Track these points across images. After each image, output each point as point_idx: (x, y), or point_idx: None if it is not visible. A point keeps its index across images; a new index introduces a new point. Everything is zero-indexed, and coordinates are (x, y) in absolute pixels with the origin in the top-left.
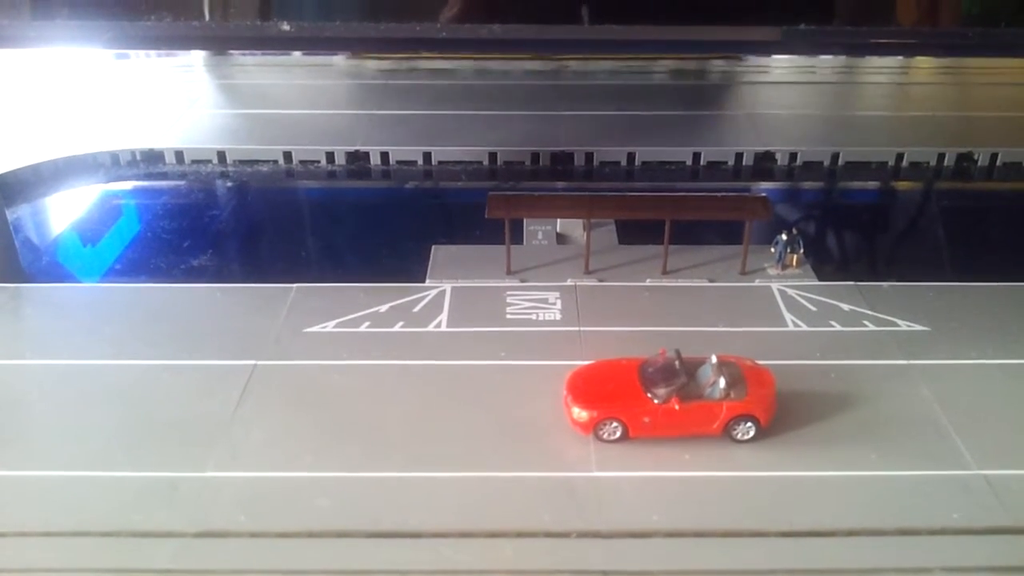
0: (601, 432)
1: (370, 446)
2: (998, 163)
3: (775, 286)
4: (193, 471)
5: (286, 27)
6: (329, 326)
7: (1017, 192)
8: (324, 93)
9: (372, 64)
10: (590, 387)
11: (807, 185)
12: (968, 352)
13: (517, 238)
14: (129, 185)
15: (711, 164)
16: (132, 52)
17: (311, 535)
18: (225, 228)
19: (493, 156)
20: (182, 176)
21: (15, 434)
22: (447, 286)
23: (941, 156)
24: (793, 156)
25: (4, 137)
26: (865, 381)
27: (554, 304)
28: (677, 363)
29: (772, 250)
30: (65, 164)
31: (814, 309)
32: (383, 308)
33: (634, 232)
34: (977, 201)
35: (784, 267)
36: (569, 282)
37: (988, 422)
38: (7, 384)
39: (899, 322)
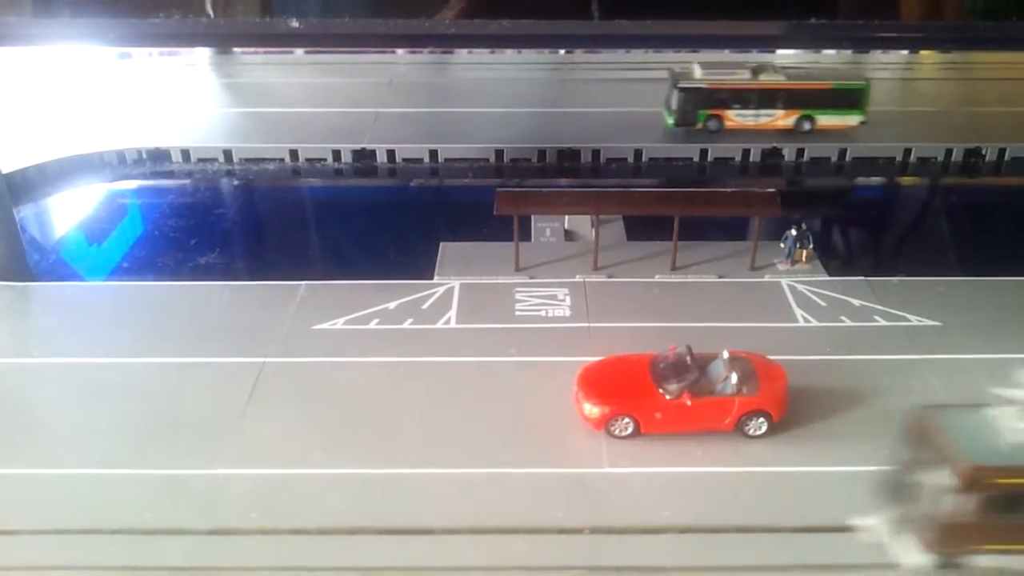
0: (613, 428)
1: (381, 443)
2: (1006, 158)
3: (785, 281)
4: (204, 468)
5: (295, 23)
6: (338, 323)
7: None
8: (329, 91)
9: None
10: (601, 383)
11: (815, 181)
12: (980, 347)
13: (525, 235)
14: (135, 183)
15: (718, 160)
16: (136, 51)
17: (323, 532)
18: (232, 226)
19: (500, 153)
20: (188, 174)
21: (25, 433)
22: (456, 283)
23: (949, 151)
24: (800, 152)
25: (11, 136)
26: (877, 376)
27: (563, 300)
28: (688, 359)
29: (782, 245)
30: (71, 163)
31: (824, 304)
32: (392, 305)
33: (642, 228)
34: (985, 196)
35: (794, 262)
36: (578, 278)
37: None
38: (16, 383)
39: (910, 317)
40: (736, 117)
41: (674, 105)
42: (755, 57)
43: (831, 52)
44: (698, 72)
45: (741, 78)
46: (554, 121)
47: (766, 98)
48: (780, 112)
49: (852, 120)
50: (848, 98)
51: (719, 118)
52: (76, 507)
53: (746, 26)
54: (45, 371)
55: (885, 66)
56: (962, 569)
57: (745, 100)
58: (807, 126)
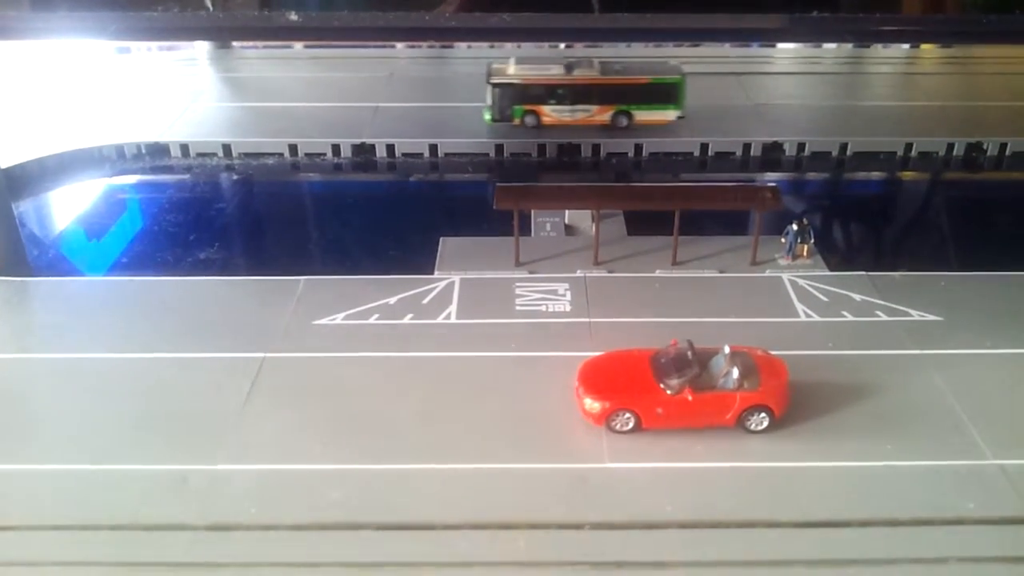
0: (613, 423)
1: (381, 438)
2: (1007, 153)
3: (786, 276)
4: (203, 464)
5: (294, 17)
6: (338, 318)
7: None
8: (329, 85)
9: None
10: (602, 378)
11: (815, 175)
12: (981, 341)
13: (525, 230)
14: (135, 178)
15: (719, 155)
16: (134, 46)
17: (323, 527)
18: (231, 221)
19: (499, 148)
20: (188, 169)
21: (24, 429)
22: (456, 278)
23: (950, 146)
24: (801, 146)
25: (9, 131)
26: (878, 371)
27: (564, 295)
28: (689, 354)
29: (783, 240)
30: (71, 158)
31: (826, 299)
32: (392, 300)
33: (643, 223)
34: (987, 191)
35: (795, 257)
36: (579, 273)
37: (1003, 412)
38: (15, 378)
39: (911, 312)
40: (552, 112)
41: (489, 100)
42: (574, 53)
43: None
44: (512, 68)
45: (554, 73)
46: None
47: (580, 93)
48: (596, 107)
49: (669, 115)
50: (663, 93)
51: (535, 113)
52: (75, 502)
53: (747, 19)
54: (44, 366)
55: (886, 60)
56: None
57: (560, 96)
58: (624, 121)
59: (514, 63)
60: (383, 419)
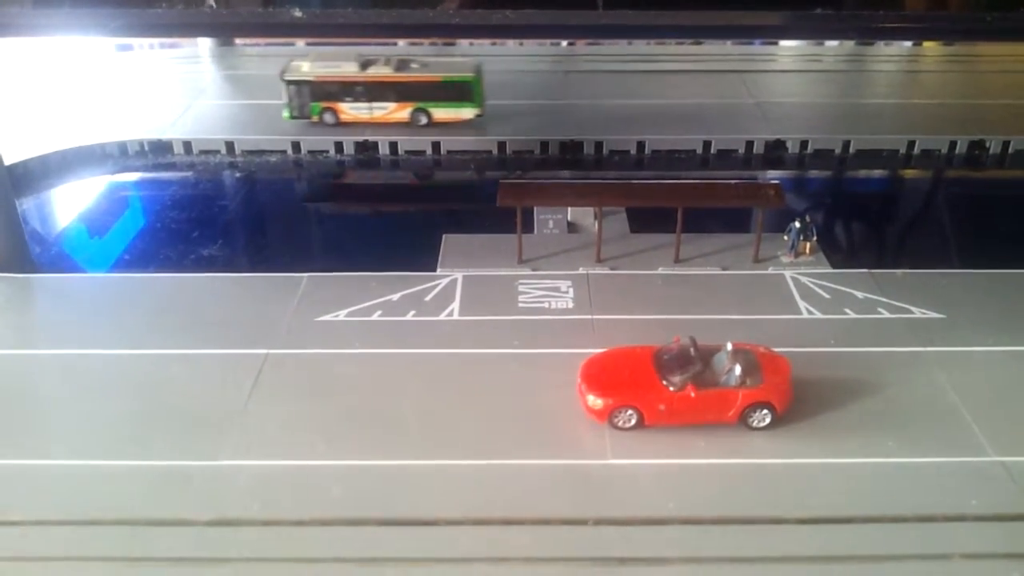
0: (616, 420)
1: (383, 434)
2: (1010, 150)
3: (788, 274)
4: (206, 460)
5: (296, 14)
6: (341, 315)
7: None
8: None
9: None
10: (605, 375)
11: (818, 173)
12: (984, 339)
13: (528, 227)
14: (137, 175)
15: (721, 152)
16: (136, 43)
17: (325, 523)
18: (234, 218)
19: (502, 145)
20: (190, 166)
21: (27, 425)
22: (458, 275)
23: (952, 144)
24: (804, 144)
25: (12, 128)
26: (881, 368)
27: (566, 292)
28: (692, 350)
29: (785, 238)
30: (73, 155)
31: (828, 297)
32: (395, 297)
33: (645, 220)
34: (989, 188)
35: (797, 255)
36: (581, 270)
37: (1005, 409)
38: (19, 374)
39: (914, 309)
40: (350, 110)
41: (284, 98)
42: (371, 50)
43: (836, 45)
44: (307, 65)
45: (347, 71)
46: (556, 113)
47: (376, 91)
48: (393, 105)
49: (466, 113)
50: (458, 91)
51: (333, 111)
52: (78, 498)
53: (750, 16)
54: (47, 363)
55: (888, 58)
56: None
57: (356, 93)
58: (423, 119)
59: (311, 60)
60: (385, 416)
